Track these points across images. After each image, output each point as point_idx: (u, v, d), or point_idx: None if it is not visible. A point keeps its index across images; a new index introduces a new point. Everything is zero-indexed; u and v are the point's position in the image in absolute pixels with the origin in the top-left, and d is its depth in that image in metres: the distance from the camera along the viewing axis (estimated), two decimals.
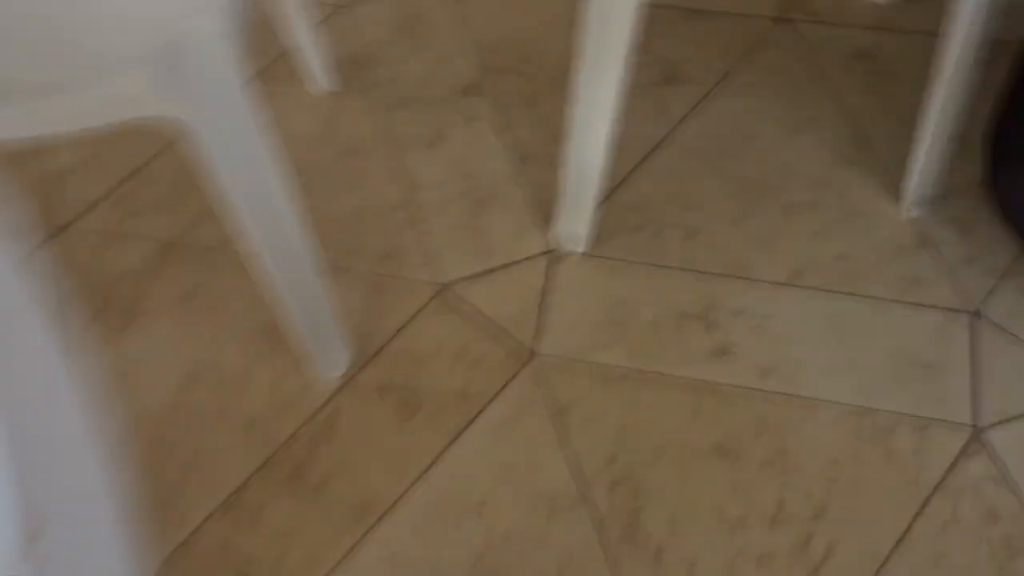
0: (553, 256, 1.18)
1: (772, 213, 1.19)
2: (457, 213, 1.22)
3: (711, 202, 1.21)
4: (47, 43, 0.74)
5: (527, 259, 1.18)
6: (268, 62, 1.40)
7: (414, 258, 1.19)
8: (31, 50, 0.74)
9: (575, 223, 1.16)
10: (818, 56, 1.35)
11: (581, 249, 1.18)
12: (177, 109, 0.75)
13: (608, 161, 1.07)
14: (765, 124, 1.28)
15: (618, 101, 0.97)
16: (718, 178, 1.23)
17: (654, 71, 1.35)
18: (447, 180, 1.26)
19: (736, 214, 1.20)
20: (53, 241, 1.23)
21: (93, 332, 1.15)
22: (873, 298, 1.11)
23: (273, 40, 1.37)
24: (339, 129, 1.31)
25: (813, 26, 1.39)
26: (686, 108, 1.31)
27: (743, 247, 1.17)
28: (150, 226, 1.24)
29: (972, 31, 0.99)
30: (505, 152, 1.28)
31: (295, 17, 1.27)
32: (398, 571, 0.96)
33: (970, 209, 1.17)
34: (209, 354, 1.12)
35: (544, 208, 1.22)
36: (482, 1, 1.47)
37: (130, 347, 1.13)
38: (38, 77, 0.71)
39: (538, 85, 1.35)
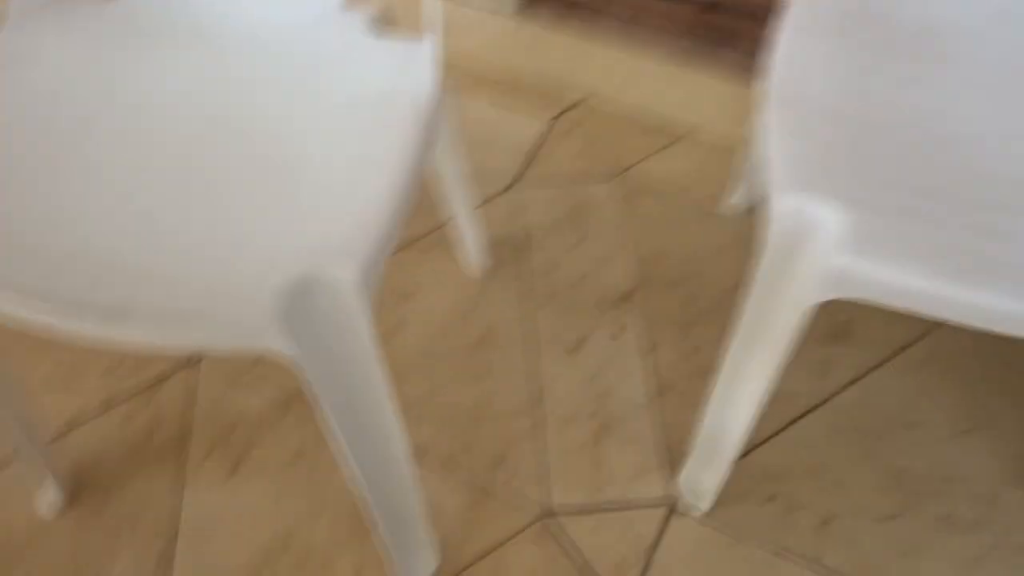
0: (671, 508, 1.09)
1: (925, 521, 1.07)
2: (580, 433, 1.16)
3: (856, 489, 1.10)
4: (186, 271, 0.75)
5: (643, 505, 1.09)
6: (426, 231, 1.40)
7: (525, 471, 1.12)
8: (169, 276, 0.74)
9: (703, 479, 1.07)
10: (1005, 348, 1.23)
11: (704, 507, 1.08)
12: (291, 347, 0.73)
13: (749, 429, 0.98)
14: (934, 413, 1.16)
15: (769, 386, 0.89)
16: (869, 463, 1.12)
17: (823, 323, 1.26)
18: (578, 394, 1.20)
19: (883, 511, 1.08)
20: (187, 369, 1.25)
21: (206, 468, 1.14)
22: None
23: (435, 211, 1.38)
24: (479, 314, 1.29)
25: None
26: (850, 374, 1.21)
27: (883, 552, 1.04)
28: (283, 375, 1.24)
29: None
30: (644, 376, 1.21)
31: (455, 193, 1.26)
32: None
33: None
34: (300, 526, 1.08)
35: (673, 449, 1.14)
36: (654, 205, 1.43)
37: (232, 494, 1.11)
38: (166, 303, 0.71)
39: (694, 309, 1.29)
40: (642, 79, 1.59)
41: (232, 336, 0.72)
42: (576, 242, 1.37)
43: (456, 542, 1.07)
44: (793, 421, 1.16)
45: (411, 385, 1.21)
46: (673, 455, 1.13)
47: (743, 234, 1.37)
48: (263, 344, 0.73)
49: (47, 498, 1.09)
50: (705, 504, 1.09)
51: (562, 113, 1.58)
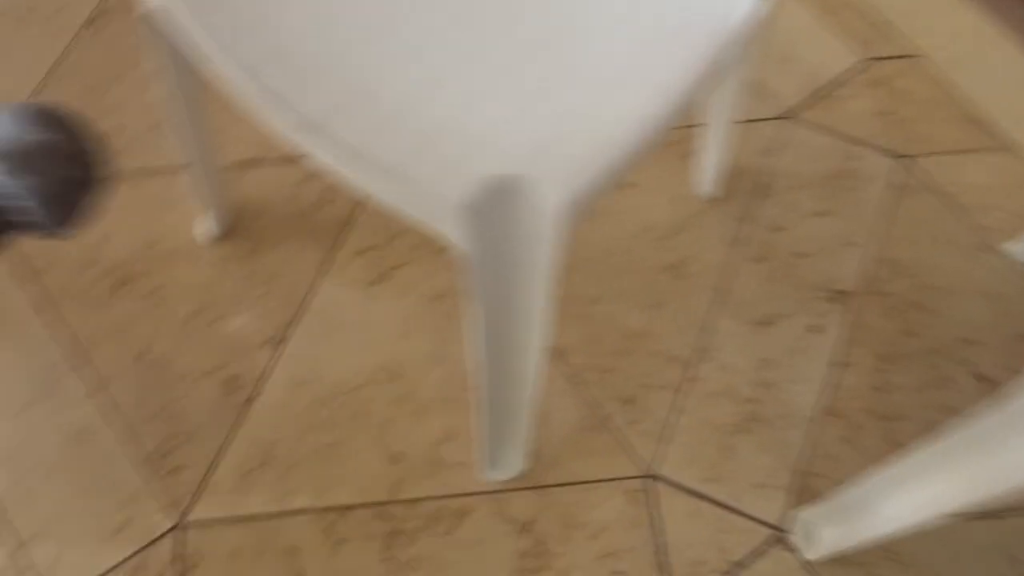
0: (777, 536, 0.98)
1: None
2: (724, 413, 1.05)
3: None
4: (408, 120, 0.65)
5: (751, 518, 0.99)
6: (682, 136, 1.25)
7: (650, 422, 1.03)
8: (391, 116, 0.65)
9: (824, 533, 0.94)
10: None
11: (812, 556, 0.97)
12: (466, 241, 0.64)
13: (901, 530, 0.85)
14: None
15: (963, 505, 0.74)
16: None
17: None
18: (742, 371, 1.08)
19: None
20: None
21: (353, 265, 1.10)
22: None
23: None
24: (683, 240, 1.15)
25: None
26: None
27: None
28: None
29: None
30: (822, 389, 1.07)
31: (721, 102, 1.10)
32: None
33: None
34: (414, 365, 1.05)
35: (810, 481, 1.01)
36: (931, 210, 1.22)
37: (365, 303, 1.08)
38: (390, 156, 0.63)
39: (912, 346, 1.11)
40: (997, 63, 1.33)
41: (412, 202, 0.64)
42: (821, 210, 1.20)
43: (549, 458, 1.01)
44: (951, 523, 1.01)
45: (578, 281, 1.12)
46: (807, 486, 1.01)
47: (1017, 292, 1.15)
48: (437, 223, 0.65)
49: (205, 225, 1.09)
50: (814, 554, 0.97)
51: (881, 59, 1.35)
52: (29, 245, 1.09)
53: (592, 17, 0.71)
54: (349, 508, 0.96)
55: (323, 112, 0.65)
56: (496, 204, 0.64)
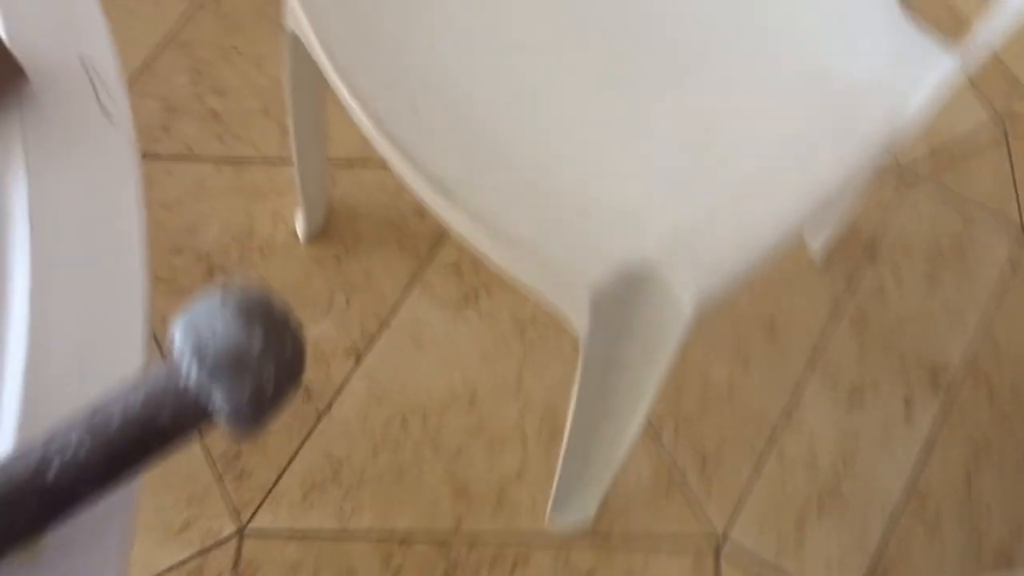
0: None
1: None
2: (802, 486, 1.01)
3: None
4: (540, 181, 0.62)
5: None
6: None
7: (725, 483, 1.00)
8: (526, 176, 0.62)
9: None
10: None
11: None
12: (588, 325, 0.61)
13: None
14: None
15: None
16: None
17: None
18: (826, 444, 1.03)
19: None
20: None
21: (443, 282, 1.08)
22: None
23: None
24: (783, 297, 1.11)
25: None
26: None
27: None
28: None
29: None
30: (911, 476, 1.03)
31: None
32: None
33: None
34: (494, 395, 1.02)
35: (881, 575, 0.97)
36: None
37: (452, 322, 1.06)
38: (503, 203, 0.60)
39: (1015, 449, 1.06)
40: None
41: (537, 275, 0.61)
42: (931, 279, 1.14)
43: (617, 508, 0.98)
44: None
45: None
46: (882, 574, 0.98)
47: None
48: (560, 300, 0.62)
49: (306, 220, 1.07)
50: None
51: (1017, 116, 1.28)
52: None
53: (756, 104, 0.67)
54: (410, 536, 0.95)
55: (456, 172, 0.62)
56: (627, 290, 0.61)
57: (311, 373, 1.02)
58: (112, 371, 0.35)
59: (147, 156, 1.12)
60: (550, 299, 0.63)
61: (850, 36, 0.69)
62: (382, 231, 1.10)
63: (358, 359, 1.03)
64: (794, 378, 1.07)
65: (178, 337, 0.30)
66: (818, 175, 0.64)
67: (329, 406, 1.01)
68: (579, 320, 0.62)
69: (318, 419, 1.01)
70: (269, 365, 0.29)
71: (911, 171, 1.21)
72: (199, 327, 0.29)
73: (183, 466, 0.97)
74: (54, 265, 0.34)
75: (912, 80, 0.67)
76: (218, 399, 0.30)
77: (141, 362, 0.35)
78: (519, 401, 1.03)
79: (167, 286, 1.06)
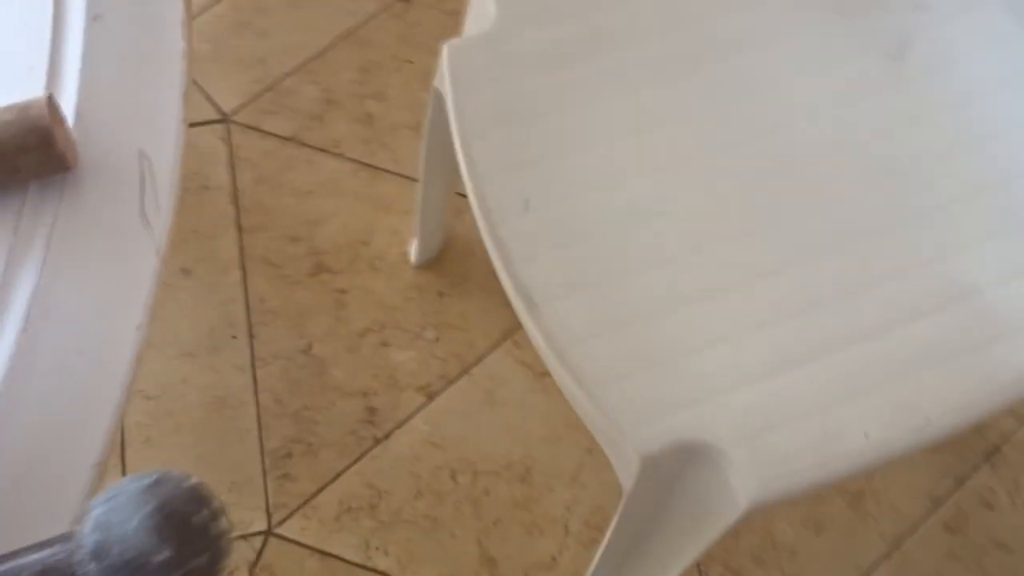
0: None
1: None
2: None
3: None
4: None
5: None
6: None
7: None
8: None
9: None
10: None
11: None
12: (634, 488, 0.57)
13: None
14: None
15: None
16: None
17: None
18: None
19: None
20: None
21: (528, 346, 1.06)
22: None
23: None
24: (889, 470, 1.02)
25: None
26: None
27: None
28: None
29: None
30: None
31: None
32: None
33: None
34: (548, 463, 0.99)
35: None
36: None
37: (531, 388, 1.03)
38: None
39: None
40: None
41: (593, 417, 0.58)
42: None
43: None
44: None
45: None
46: None
47: None
48: (610, 449, 0.59)
49: (420, 247, 1.06)
50: None
51: None
52: (251, 199, 1.11)
53: (883, 297, 0.61)
54: None
55: (544, 283, 0.60)
56: (681, 465, 0.56)
57: (383, 397, 1.02)
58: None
59: (294, 141, 1.14)
60: (601, 444, 0.59)
61: (1014, 262, 0.62)
62: (490, 278, 1.08)
63: (429, 398, 1.02)
64: (866, 562, 0.98)
65: (88, 525, 0.29)
66: (929, 402, 0.57)
67: (387, 435, 1.01)
68: (624, 477, 0.58)
69: (374, 444, 1.00)
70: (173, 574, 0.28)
71: None
72: (111, 523, 0.28)
73: (236, 451, 0.99)
74: (34, 359, 0.34)
75: None
76: None
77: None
78: (572, 491, 0.99)
79: (274, 271, 1.08)
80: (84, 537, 0.28)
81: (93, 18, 0.37)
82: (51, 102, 0.36)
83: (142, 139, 0.38)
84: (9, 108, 0.35)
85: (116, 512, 0.28)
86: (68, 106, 0.36)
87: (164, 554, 0.27)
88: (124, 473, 0.98)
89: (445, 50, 0.67)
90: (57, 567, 0.28)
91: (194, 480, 0.29)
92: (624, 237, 0.62)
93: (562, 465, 1.00)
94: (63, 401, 0.34)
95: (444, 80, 0.66)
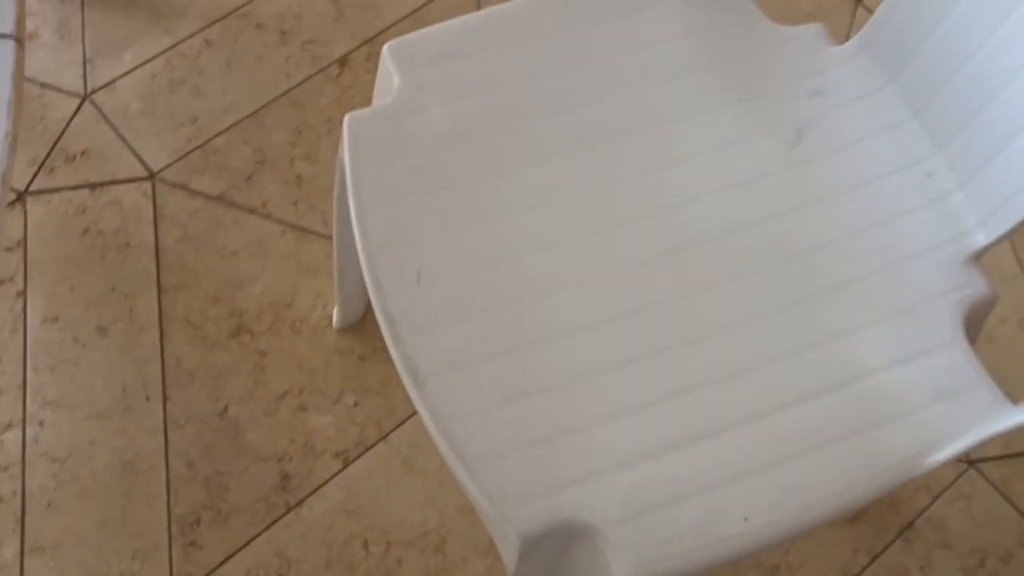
0: None
1: None
2: None
3: None
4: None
5: None
6: None
7: None
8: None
9: None
10: None
11: None
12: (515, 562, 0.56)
13: None
14: None
15: None
16: None
17: None
18: None
19: None
20: None
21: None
22: None
23: None
24: (798, 567, 1.02)
25: None
26: None
27: None
28: None
29: None
30: None
31: None
32: None
33: None
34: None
35: None
36: None
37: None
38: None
39: None
40: None
41: (477, 495, 0.57)
42: None
43: None
44: None
45: None
46: None
47: None
48: (493, 529, 0.58)
49: (340, 311, 1.06)
50: None
51: None
52: (175, 258, 1.10)
53: (776, 377, 0.62)
54: None
55: (430, 360, 0.59)
56: (561, 545, 0.56)
57: (298, 463, 1.00)
58: None
59: (222, 200, 1.14)
60: (485, 523, 0.59)
61: (909, 345, 0.63)
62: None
63: (345, 464, 1.01)
64: None
65: None
66: (811, 486, 0.57)
67: (300, 502, 0.99)
68: (507, 557, 0.57)
69: (286, 511, 0.98)
70: None
71: (979, 469, 1.10)
72: None
73: (142, 517, 0.96)
74: None
75: (961, 425, 0.60)
76: None
77: None
78: (487, 562, 0.97)
79: (193, 332, 1.06)
80: None
81: None
82: None
83: None
84: None
85: None
86: None
87: None
88: (23, 539, 0.95)
89: (346, 121, 0.67)
90: None
91: None
92: (513, 313, 0.62)
93: (478, 536, 0.99)
94: None
95: (343, 151, 0.66)
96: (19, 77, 0.35)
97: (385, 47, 0.69)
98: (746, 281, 0.65)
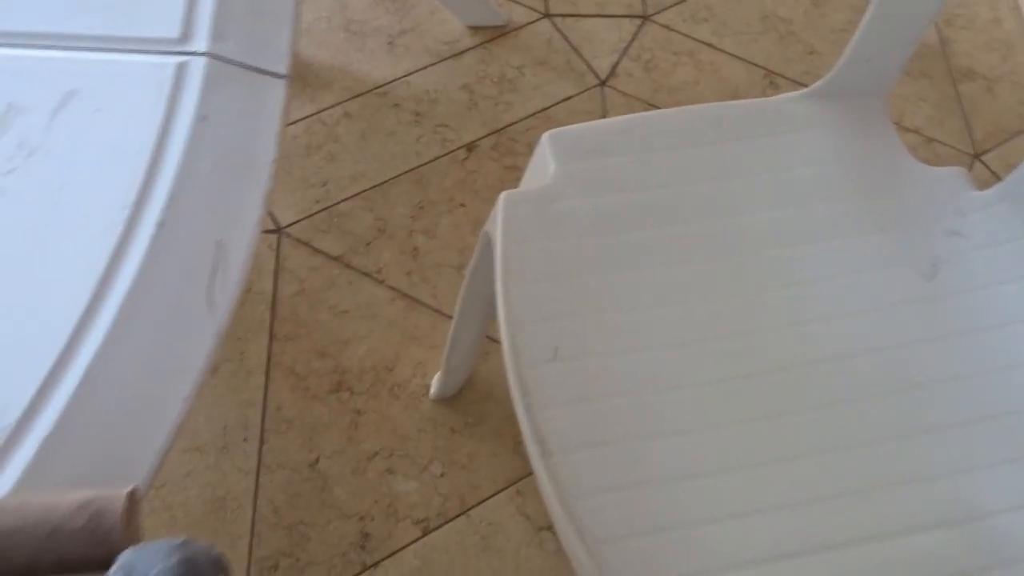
0: None
1: None
2: None
3: None
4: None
5: None
6: None
7: None
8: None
9: None
10: None
11: None
12: None
13: None
14: None
15: None
16: None
17: None
18: None
19: None
20: None
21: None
22: None
23: None
24: None
25: None
26: None
27: None
28: None
29: None
30: None
31: None
32: None
33: None
34: None
35: None
36: None
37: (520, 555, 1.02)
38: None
39: None
40: None
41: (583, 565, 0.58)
42: None
43: None
44: None
45: None
46: None
47: None
48: None
49: (441, 382, 1.09)
50: None
51: None
52: (289, 310, 1.15)
53: (891, 512, 0.62)
54: None
55: (561, 435, 0.61)
56: None
57: (379, 524, 1.01)
58: None
59: (340, 261, 1.19)
60: None
61: (1022, 491, 0.63)
62: (505, 424, 1.09)
63: (425, 532, 1.02)
64: None
65: (114, 567, 0.31)
66: None
67: (376, 564, 0.99)
68: None
69: (362, 570, 0.99)
70: None
71: None
72: (135, 566, 0.30)
73: (225, 552, 0.98)
74: (88, 413, 0.36)
75: None
76: None
77: None
78: None
79: (296, 382, 1.10)
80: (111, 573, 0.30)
81: (200, 118, 0.41)
82: (131, 499, 0.34)
83: (223, 230, 0.41)
84: (82, 507, 0.33)
85: (142, 559, 0.29)
86: (163, 190, 0.40)
87: None
88: None
89: (502, 198, 0.71)
90: None
91: (218, 551, 0.30)
92: (644, 401, 0.64)
93: None
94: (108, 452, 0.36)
95: (496, 226, 0.70)
96: (284, 114, 0.40)
97: (545, 135, 0.74)
98: (871, 403, 0.66)
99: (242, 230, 0.42)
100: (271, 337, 1.13)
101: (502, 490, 1.05)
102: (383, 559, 1.00)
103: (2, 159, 0.42)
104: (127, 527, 0.32)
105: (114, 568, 0.30)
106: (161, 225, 0.40)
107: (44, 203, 0.40)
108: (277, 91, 0.44)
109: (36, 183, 0.41)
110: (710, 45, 1.43)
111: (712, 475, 0.62)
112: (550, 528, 1.03)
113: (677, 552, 0.59)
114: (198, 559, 0.29)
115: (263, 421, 1.07)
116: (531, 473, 1.06)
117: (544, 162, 0.74)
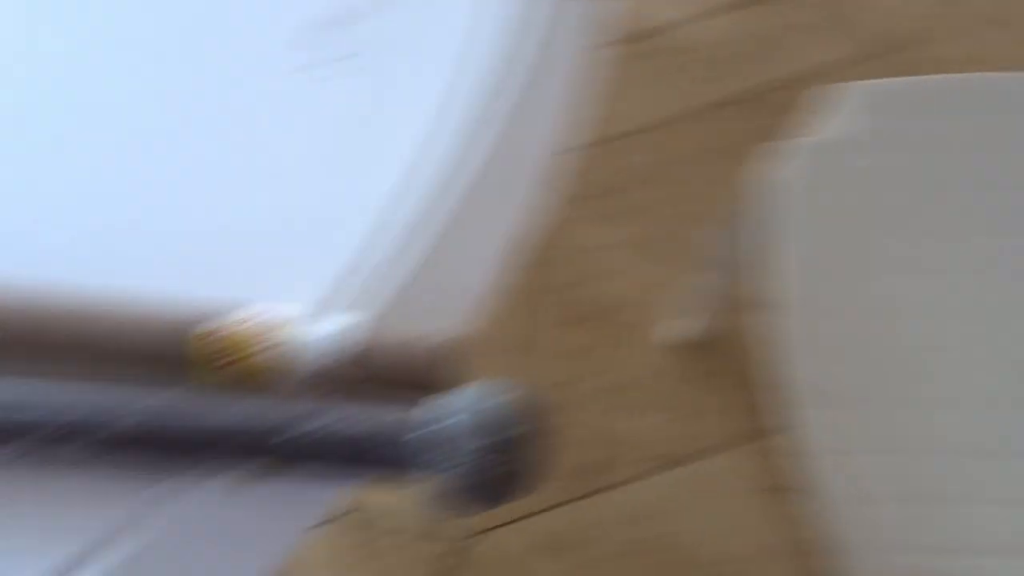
0: None
1: None
2: None
3: None
4: None
5: None
6: None
7: None
8: None
9: None
10: None
11: None
12: None
13: None
14: None
15: None
16: None
17: None
18: None
19: None
20: None
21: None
22: None
23: None
24: None
25: None
26: None
27: None
28: None
29: None
30: None
31: None
32: None
33: None
34: None
35: None
36: None
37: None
38: None
39: None
40: None
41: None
42: None
43: None
44: None
45: None
46: None
47: None
48: None
49: (680, 330, 1.07)
50: None
51: None
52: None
53: None
54: None
55: (825, 392, 0.59)
56: None
57: (598, 457, 1.03)
58: None
59: (590, 200, 1.20)
60: (822, 568, 0.57)
61: None
62: (740, 381, 1.07)
63: (640, 476, 1.02)
64: None
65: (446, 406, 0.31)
66: None
67: (589, 494, 1.01)
68: None
69: (575, 499, 1.01)
70: (499, 468, 0.29)
71: None
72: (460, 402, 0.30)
73: None
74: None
75: None
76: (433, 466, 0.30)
77: None
78: None
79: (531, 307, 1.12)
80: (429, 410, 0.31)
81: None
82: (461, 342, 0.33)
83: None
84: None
85: (463, 397, 0.30)
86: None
87: (488, 441, 0.29)
88: None
89: (795, 146, 0.68)
90: (383, 430, 0.30)
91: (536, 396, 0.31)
92: (910, 370, 0.61)
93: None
94: None
95: (786, 174, 0.68)
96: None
97: (853, 85, 0.70)
98: None
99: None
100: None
101: (726, 447, 1.04)
102: (594, 492, 1.01)
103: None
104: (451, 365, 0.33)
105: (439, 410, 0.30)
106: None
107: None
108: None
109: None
110: None
111: (975, 455, 0.58)
112: (773, 490, 1.01)
113: (928, 526, 0.56)
114: (529, 398, 0.29)
115: None
116: (759, 435, 1.04)
117: (845, 115, 0.70)
